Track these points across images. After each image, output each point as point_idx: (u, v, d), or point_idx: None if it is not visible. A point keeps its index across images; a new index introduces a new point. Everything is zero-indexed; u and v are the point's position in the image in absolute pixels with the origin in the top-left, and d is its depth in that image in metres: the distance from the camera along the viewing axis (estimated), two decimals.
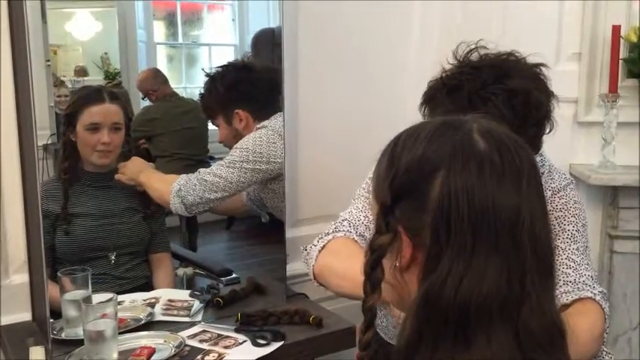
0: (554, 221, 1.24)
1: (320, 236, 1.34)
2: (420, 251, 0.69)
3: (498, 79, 1.11)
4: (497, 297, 0.65)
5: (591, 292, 1.18)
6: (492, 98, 1.08)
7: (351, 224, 1.32)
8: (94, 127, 1.58)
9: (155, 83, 1.85)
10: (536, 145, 1.17)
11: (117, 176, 1.65)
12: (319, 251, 1.30)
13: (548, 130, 1.17)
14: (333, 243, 1.30)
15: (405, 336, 0.69)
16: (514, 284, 0.66)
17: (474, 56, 1.17)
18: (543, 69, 1.17)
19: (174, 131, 1.89)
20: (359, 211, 1.33)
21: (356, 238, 1.30)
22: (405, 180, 0.70)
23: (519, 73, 1.13)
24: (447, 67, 1.17)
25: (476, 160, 0.67)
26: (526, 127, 1.09)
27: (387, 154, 0.74)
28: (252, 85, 1.75)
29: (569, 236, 1.23)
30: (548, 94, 1.16)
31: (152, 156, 1.83)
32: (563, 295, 1.17)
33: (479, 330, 0.65)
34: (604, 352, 1.21)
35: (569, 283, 1.18)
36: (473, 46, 1.17)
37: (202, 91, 1.79)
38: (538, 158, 1.29)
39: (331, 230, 1.33)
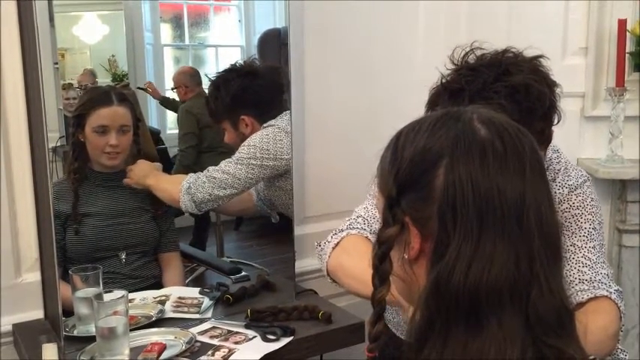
0: (571, 219, 1.23)
1: (334, 232, 1.33)
2: (428, 241, 0.70)
3: (498, 77, 1.10)
4: (507, 281, 0.66)
5: (607, 290, 1.17)
6: (494, 97, 1.08)
7: (366, 221, 1.32)
8: (102, 130, 1.59)
9: (191, 81, 1.87)
10: (546, 138, 1.16)
11: (125, 181, 1.66)
12: (333, 248, 1.29)
13: (556, 121, 1.16)
14: (346, 240, 1.29)
15: (416, 326, 0.69)
16: (523, 268, 0.66)
17: (471, 58, 1.16)
18: (542, 60, 1.16)
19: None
20: (374, 207, 1.32)
21: (369, 236, 1.29)
22: (409, 171, 0.71)
23: (518, 68, 1.12)
24: (446, 72, 1.16)
25: (478, 147, 0.68)
26: (533, 121, 1.09)
27: (390, 148, 0.75)
28: (257, 92, 1.77)
29: (585, 234, 1.22)
30: (550, 85, 1.15)
31: (199, 152, 1.87)
32: (579, 293, 1.16)
33: (490, 314, 0.65)
34: (619, 350, 1.20)
35: (585, 282, 1.18)
36: (468, 49, 1.16)
37: (207, 96, 1.81)
38: (555, 155, 1.29)
39: (345, 227, 1.32)
